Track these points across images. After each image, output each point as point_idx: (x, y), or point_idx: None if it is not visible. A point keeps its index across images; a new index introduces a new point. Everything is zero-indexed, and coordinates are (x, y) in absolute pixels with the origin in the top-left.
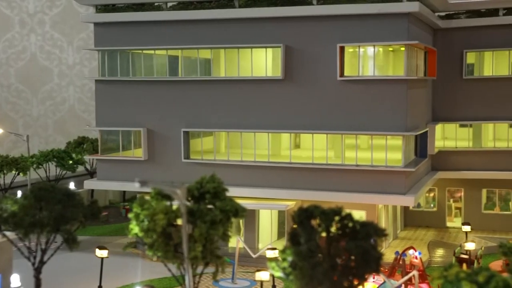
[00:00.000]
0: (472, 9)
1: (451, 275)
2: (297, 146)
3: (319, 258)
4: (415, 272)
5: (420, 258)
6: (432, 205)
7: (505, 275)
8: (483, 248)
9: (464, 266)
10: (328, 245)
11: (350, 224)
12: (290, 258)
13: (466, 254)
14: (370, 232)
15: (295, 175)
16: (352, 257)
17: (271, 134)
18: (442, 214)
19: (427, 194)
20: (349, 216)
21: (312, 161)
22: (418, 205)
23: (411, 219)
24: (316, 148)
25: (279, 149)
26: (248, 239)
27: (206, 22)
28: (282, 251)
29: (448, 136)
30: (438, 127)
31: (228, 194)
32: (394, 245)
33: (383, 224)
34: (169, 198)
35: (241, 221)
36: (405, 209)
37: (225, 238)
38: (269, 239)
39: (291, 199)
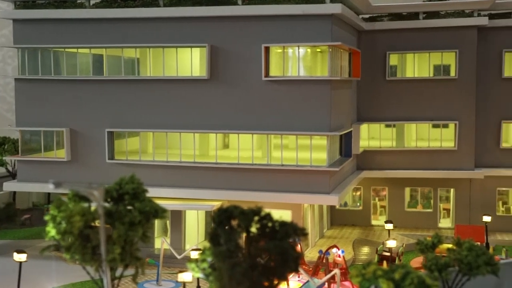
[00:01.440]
0: (394, 12)
1: (369, 273)
2: (226, 146)
3: (238, 258)
4: (337, 271)
5: (343, 257)
6: (358, 204)
7: (422, 271)
8: (404, 245)
9: (385, 263)
10: (248, 245)
11: (270, 224)
12: (209, 259)
13: (388, 251)
14: (289, 231)
15: (222, 175)
16: (272, 257)
17: (200, 134)
18: (367, 213)
19: (354, 193)
20: (268, 216)
21: (238, 161)
22: (345, 204)
23: (337, 218)
24: (243, 148)
25: (207, 149)
26: (175, 240)
27: (130, 20)
28: (202, 252)
29: (373, 136)
30: (363, 127)
31: (154, 195)
32: (320, 243)
33: (308, 223)
34: (87, 199)
35: (167, 222)
36: (332, 208)
37: (145, 239)
38: (196, 240)
39: (218, 200)
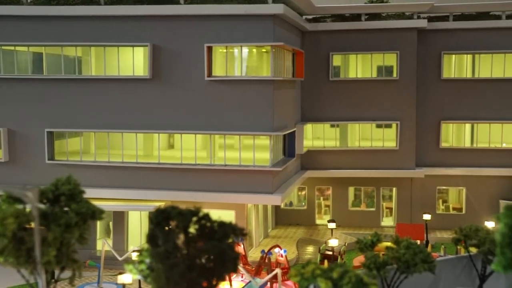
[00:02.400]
0: (337, 14)
1: (307, 272)
2: (171, 146)
3: (176, 259)
4: (278, 270)
5: (285, 256)
6: (303, 204)
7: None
8: (346, 244)
9: (326, 262)
10: (186, 246)
11: (208, 224)
12: (148, 260)
13: (330, 250)
14: (227, 232)
15: (165, 175)
16: (211, 257)
17: (144, 135)
18: (311, 212)
19: (299, 193)
20: (207, 217)
21: (181, 161)
22: (290, 204)
23: (283, 217)
24: (189, 148)
25: (152, 150)
26: (118, 241)
27: (71, 18)
28: (139, 253)
29: (317, 136)
30: (307, 127)
31: (97, 196)
32: (264, 243)
33: (252, 223)
34: (21, 201)
35: (110, 223)
36: (277, 207)
37: (82, 241)
38: (139, 241)
39: (162, 200)
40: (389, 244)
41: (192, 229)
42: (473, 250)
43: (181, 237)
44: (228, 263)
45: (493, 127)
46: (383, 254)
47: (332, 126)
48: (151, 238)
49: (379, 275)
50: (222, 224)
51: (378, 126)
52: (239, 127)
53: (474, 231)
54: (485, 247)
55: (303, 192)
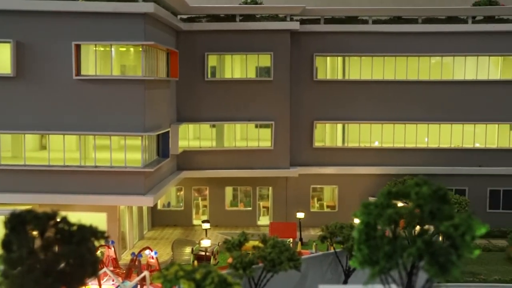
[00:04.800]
0: (212, 14)
1: (170, 274)
2: (43, 147)
3: (31, 265)
4: (146, 273)
5: (157, 258)
6: (181, 204)
7: (225, 270)
8: (220, 244)
9: (195, 263)
10: (43, 251)
11: (66, 228)
12: (1, 267)
13: (203, 251)
14: (86, 235)
15: (34, 178)
16: (70, 262)
17: (12, 135)
18: (189, 213)
19: (178, 194)
20: (64, 220)
21: (48, 163)
22: (168, 204)
23: (160, 218)
24: (60, 149)
25: (21, 151)
26: None
27: None
28: None
29: (194, 136)
30: (183, 127)
31: None
32: (139, 245)
33: (126, 225)
34: None
35: None
36: (153, 209)
37: None
38: None
39: (29, 203)
40: (256, 243)
41: (49, 233)
42: (339, 247)
43: (38, 242)
44: (88, 267)
45: (363, 127)
46: (250, 254)
47: (212, 126)
48: (5, 243)
49: (246, 274)
50: (81, 227)
51: (256, 126)
52: (110, 127)
53: (339, 228)
54: (349, 244)
55: (182, 193)
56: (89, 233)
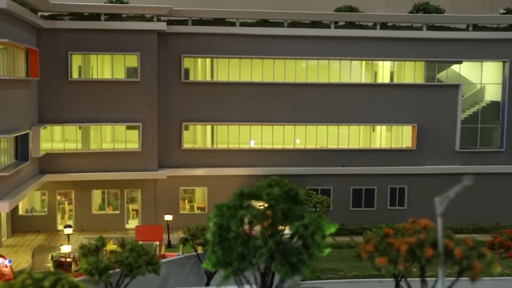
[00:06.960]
0: (76, 12)
1: (18, 283)
2: None
3: None
4: None
5: (11, 266)
6: (45, 209)
7: (77, 277)
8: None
9: (52, 269)
10: None
11: None
12: None
13: (64, 257)
14: None
15: None
16: None
17: None
18: (53, 218)
19: (43, 198)
20: None
21: None
22: (32, 210)
23: (21, 224)
24: None
25: None
26: None
27: None
28: None
29: (58, 138)
30: (45, 129)
31: None
32: None
33: None
34: None
35: None
36: (14, 214)
37: None
38: None
39: None
40: (114, 247)
41: None
42: (200, 249)
43: None
44: None
45: (232, 129)
46: (106, 259)
47: (78, 128)
48: None
49: (102, 280)
50: None
51: (126, 128)
52: None
53: (201, 230)
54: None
55: (46, 197)
56: None
